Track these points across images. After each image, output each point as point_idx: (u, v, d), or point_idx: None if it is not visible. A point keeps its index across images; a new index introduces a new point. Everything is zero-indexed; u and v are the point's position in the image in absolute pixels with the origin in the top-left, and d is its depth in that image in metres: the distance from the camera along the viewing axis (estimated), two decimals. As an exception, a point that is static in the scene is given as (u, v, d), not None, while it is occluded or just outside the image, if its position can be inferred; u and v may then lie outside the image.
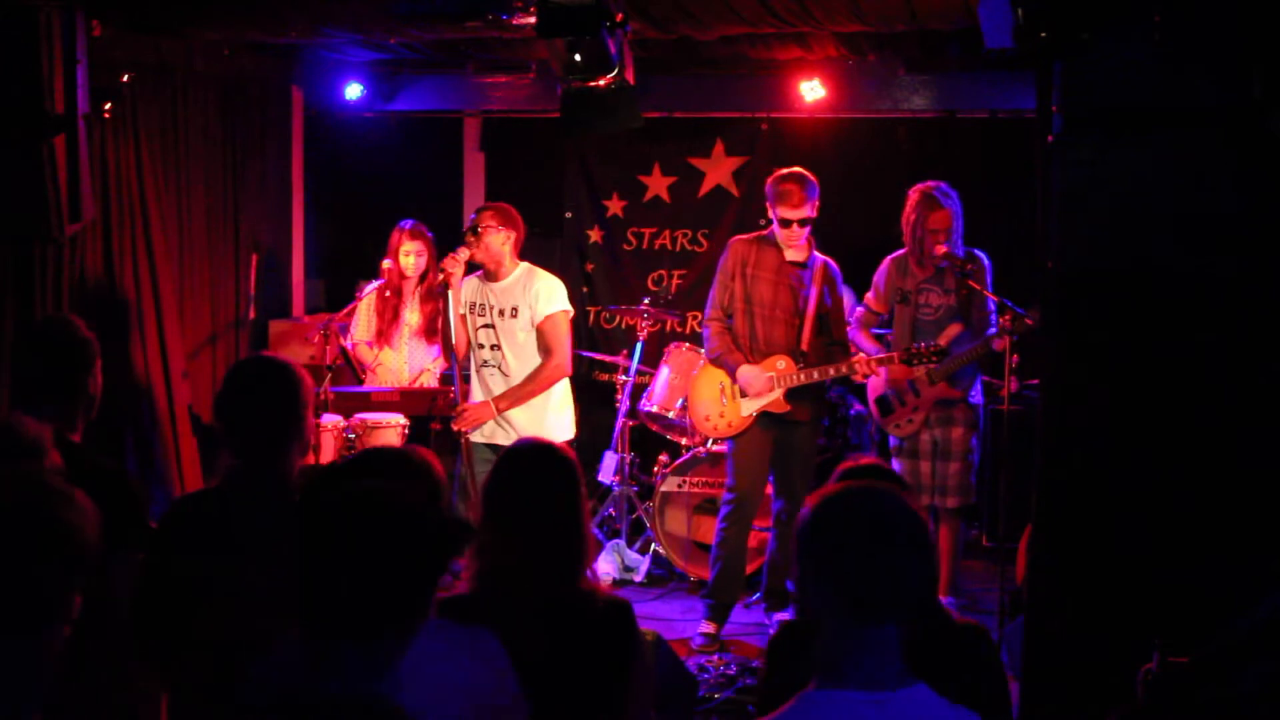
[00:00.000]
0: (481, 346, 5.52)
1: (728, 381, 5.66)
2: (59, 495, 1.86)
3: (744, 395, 5.59)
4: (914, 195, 5.74)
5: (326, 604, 1.87)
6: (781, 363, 5.54)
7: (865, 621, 1.97)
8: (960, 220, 5.69)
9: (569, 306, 5.51)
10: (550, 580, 2.74)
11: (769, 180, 5.63)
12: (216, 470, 3.09)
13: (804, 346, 5.54)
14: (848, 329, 5.89)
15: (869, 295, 6.03)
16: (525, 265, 5.54)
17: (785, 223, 5.50)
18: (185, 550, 2.88)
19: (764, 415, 5.58)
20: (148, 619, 2.91)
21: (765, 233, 5.66)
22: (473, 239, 5.38)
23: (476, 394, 5.56)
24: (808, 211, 5.49)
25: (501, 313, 5.48)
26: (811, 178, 5.58)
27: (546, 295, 5.44)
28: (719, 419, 5.73)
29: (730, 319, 5.67)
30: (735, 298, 5.63)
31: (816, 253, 5.65)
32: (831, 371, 5.51)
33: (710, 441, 6.31)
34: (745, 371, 5.55)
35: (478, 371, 5.55)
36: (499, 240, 5.42)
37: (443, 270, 5.35)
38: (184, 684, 2.86)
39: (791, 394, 5.54)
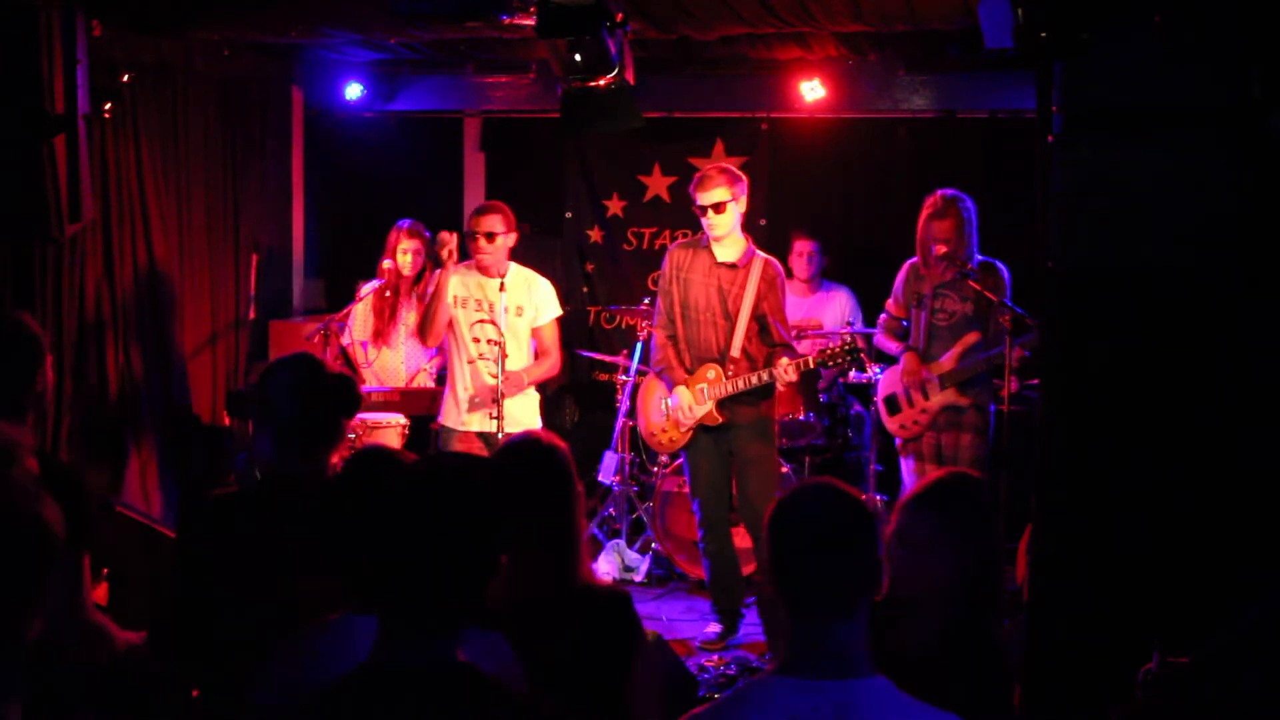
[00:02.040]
0: (477, 340, 5.59)
1: (667, 398, 5.64)
2: (33, 496, 1.88)
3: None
4: (925, 206, 5.71)
5: (411, 580, 1.92)
6: (711, 373, 5.47)
7: (803, 616, 2.04)
8: (973, 227, 5.64)
9: (560, 309, 5.78)
10: (547, 575, 2.74)
11: None
12: (234, 469, 3.08)
13: (734, 351, 5.44)
14: (873, 335, 5.84)
15: (889, 301, 6.00)
16: (516, 265, 5.72)
17: (701, 210, 5.41)
18: (220, 552, 2.84)
19: (701, 426, 5.53)
20: (183, 619, 2.89)
21: (700, 236, 5.55)
22: (487, 244, 5.53)
23: (468, 387, 5.61)
24: (720, 196, 5.34)
25: (506, 309, 5.59)
26: (734, 170, 5.50)
27: (550, 301, 5.70)
28: (662, 434, 5.72)
29: (673, 325, 5.61)
30: (674, 304, 5.57)
31: (759, 252, 5.55)
32: (754, 380, 5.38)
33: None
34: (675, 393, 5.53)
35: (469, 364, 5.60)
36: (509, 241, 5.61)
37: (444, 248, 5.47)
38: (219, 684, 2.83)
39: (726, 402, 5.45)
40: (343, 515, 2.43)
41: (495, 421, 5.44)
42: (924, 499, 2.73)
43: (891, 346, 5.93)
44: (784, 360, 5.34)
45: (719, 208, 5.36)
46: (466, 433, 5.61)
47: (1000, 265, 5.71)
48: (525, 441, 2.95)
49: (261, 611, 2.74)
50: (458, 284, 5.62)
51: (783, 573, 2.06)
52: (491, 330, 5.53)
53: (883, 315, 6.09)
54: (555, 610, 2.70)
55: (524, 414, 5.64)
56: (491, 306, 5.56)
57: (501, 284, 5.54)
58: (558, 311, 5.73)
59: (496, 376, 5.43)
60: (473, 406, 5.59)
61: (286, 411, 2.95)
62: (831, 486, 2.12)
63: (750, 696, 2.06)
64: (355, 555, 2.39)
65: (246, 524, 2.87)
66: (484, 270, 5.61)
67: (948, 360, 5.70)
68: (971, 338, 5.69)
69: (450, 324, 5.65)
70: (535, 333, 5.66)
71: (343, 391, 2.99)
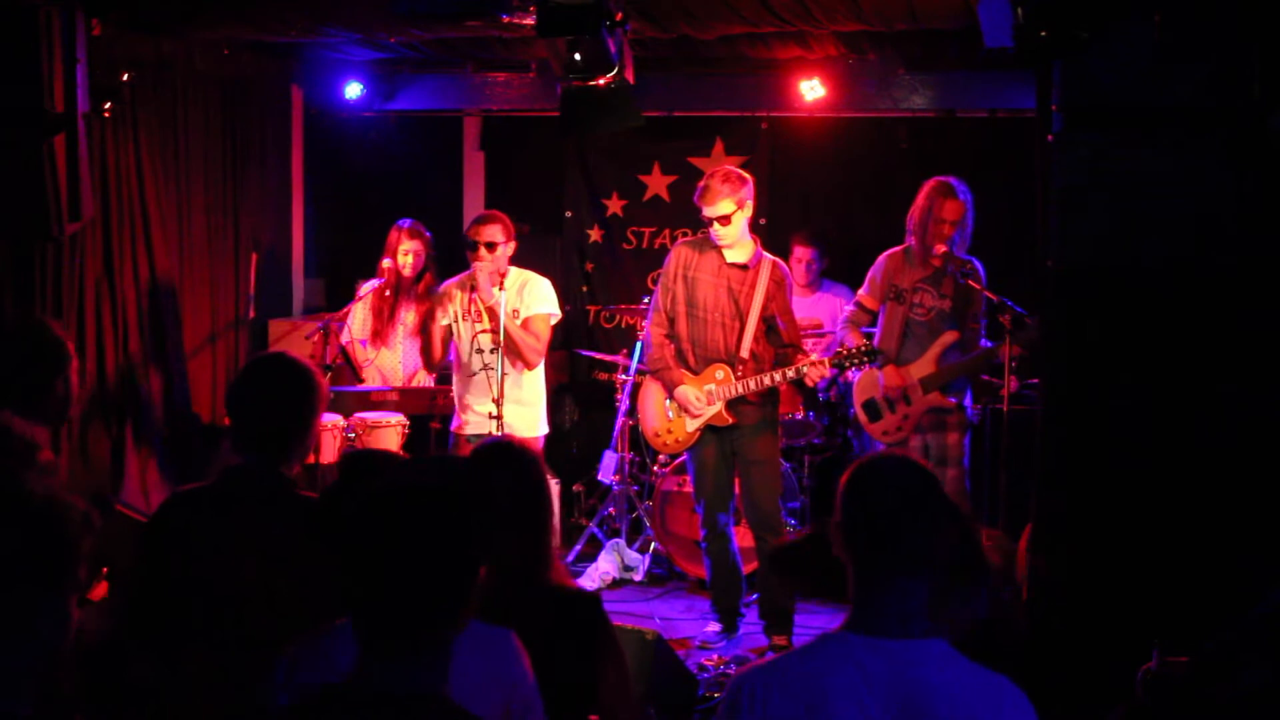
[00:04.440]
0: (480, 351, 5.56)
1: (669, 399, 5.61)
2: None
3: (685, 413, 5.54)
4: (928, 185, 5.62)
5: (385, 602, 1.89)
6: (720, 373, 5.44)
7: (875, 575, 2.15)
8: (971, 219, 5.59)
9: (558, 312, 5.70)
10: (513, 579, 2.73)
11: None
12: (214, 466, 3.09)
13: (743, 352, 5.41)
14: (837, 329, 5.79)
15: (862, 291, 5.89)
16: (516, 269, 5.70)
17: (707, 221, 5.38)
18: (180, 548, 2.87)
19: (709, 426, 5.51)
20: (143, 616, 2.91)
21: (709, 234, 5.49)
22: (487, 253, 5.51)
23: (470, 396, 5.62)
24: (726, 209, 5.32)
25: (511, 312, 5.61)
26: (738, 174, 5.45)
27: (540, 297, 5.65)
28: (667, 434, 5.66)
29: (673, 324, 5.57)
30: (676, 301, 5.52)
31: (766, 254, 5.52)
32: (766, 380, 5.35)
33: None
34: (682, 392, 5.48)
35: (471, 377, 5.62)
36: (508, 250, 5.61)
37: (480, 300, 5.51)
38: (181, 682, 2.85)
39: (735, 402, 5.44)
40: (336, 519, 2.43)
41: (494, 422, 5.43)
42: None
43: (853, 343, 5.73)
44: (813, 357, 5.33)
45: (725, 220, 5.36)
46: (465, 437, 5.60)
47: (977, 262, 5.68)
48: (491, 445, 2.98)
49: (216, 604, 2.76)
50: (458, 298, 5.65)
51: (859, 532, 2.17)
52: (491, 340, 5.54)
53: (850, 308, 5.97)
54: (518, 613, 2.67)
55: (523, 424, 5.61)
56: (492, 312, 5.52)
57: (500, 283, 5.54)
58: (550, 310, 5.66)
59: (494, 370, 5.45)
60: (479, 415, 5.58)
61: (243, 408, 2.97)
62: (907, 458, 2.27)
63: (822, 650, 2.16)
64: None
65: (205, 518, 2.88)
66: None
67: (927, 363, 5.64)
68: (949, 337, 5.62)
69: (453, 339, 5.70)
70: (525, 322, 5.60)
71: (299, 391, 2.97)
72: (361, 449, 2.85)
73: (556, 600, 2.80)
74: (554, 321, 5.71)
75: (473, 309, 5.60)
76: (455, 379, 5.75)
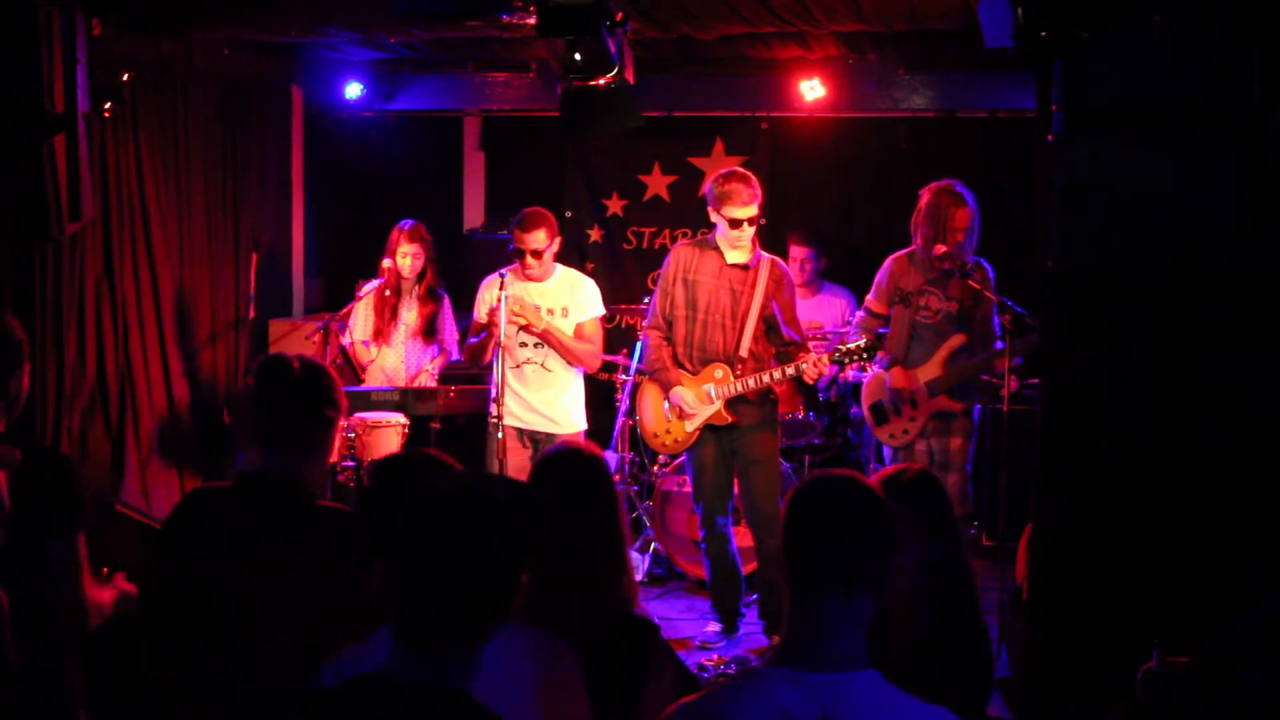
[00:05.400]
0: (524, 345, 5.71)
1: (667, 399, 5.61)
2: None
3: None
4: (932, 190, 5.57)
5: (420, 599, 1.91)
6: (719, 372, 5.44)
7: (805, 599, 2.03)
8: (978, 222, 5.55)
9: (604, 309, 5.91)
10: (569, 591, 2.68)
11: (707, 184, 5.52)
12: (233, 468, 3.07)
13: (742, 352, 5.41)
14: (847, 333, 5.78)
15: (869, 297, 5.88)
16: (562, 266, 5.89)
17: (735, 223, 5.35)
18: (191, 548, 2.86)
19: (708, 426, 5.51)
20: (155, 615, 2.90)
21: (708, 236, 5.53)
22: (535, 260, 5.66)
23: (512, 389, 5.73)
24: (755, 209, 5.36)
25: (550, 311, 5.73)
26: (751, 175, 5.46)
27: (593, 301, 5.87)
28: (666, 435, 5.66)
29: (670, 326, 5.57)
30: (676, 304, 5.52)
31: (763, 252, 5.53)
32: (766, 379, 5.36)
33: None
34: (679, 393, 5.48)
35: (516, 369, 5.74)
36: (554, 249, 5.76)
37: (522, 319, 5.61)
38: (192, 683, 2.85)
39: (734, 401, 5.44)
40: (376, 523, 2.44)
41: (534, 415, 5.72)
42: (887, 491, 2.68)
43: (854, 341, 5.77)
44: (812, 356, 5.33)
45: (753, 220, 5.38)
46: (508, 428, 5.66)
47: (985, 263, 5.66)
48: (559, 453, 2.92)
49: (227, 604, 2.76)
50: (495, 287, 5.71)
51: (793, 553, 2.06)
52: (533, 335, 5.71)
53: (860, 314, 5.96)
54: (578, 629, 2.59)
55: (565, 420, 5.79)
56: (535, 309, 5.67)
57: (502, 283, 5.62)
58: (601, 311, 5.87)
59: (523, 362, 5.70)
60: (518, 404, 5.71)
61: (260, 412, 2.95)
62: (852, 477, 2.13)
63: (744, 687, 2.05)
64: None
65: (218, 520, 2.87)
66: (531, 280, 5.75)
67: (934, 366, 5.61)
68: (957, 340, 5.60)
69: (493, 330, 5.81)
70: (578, 329, 5.79)
71: (315, 392, 2.95)
72: (400, 453, 2.80)
73: (612, 621, 2.73)
74: (603, 317, 5.92)
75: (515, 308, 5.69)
76: (495, 370, 5.80)
